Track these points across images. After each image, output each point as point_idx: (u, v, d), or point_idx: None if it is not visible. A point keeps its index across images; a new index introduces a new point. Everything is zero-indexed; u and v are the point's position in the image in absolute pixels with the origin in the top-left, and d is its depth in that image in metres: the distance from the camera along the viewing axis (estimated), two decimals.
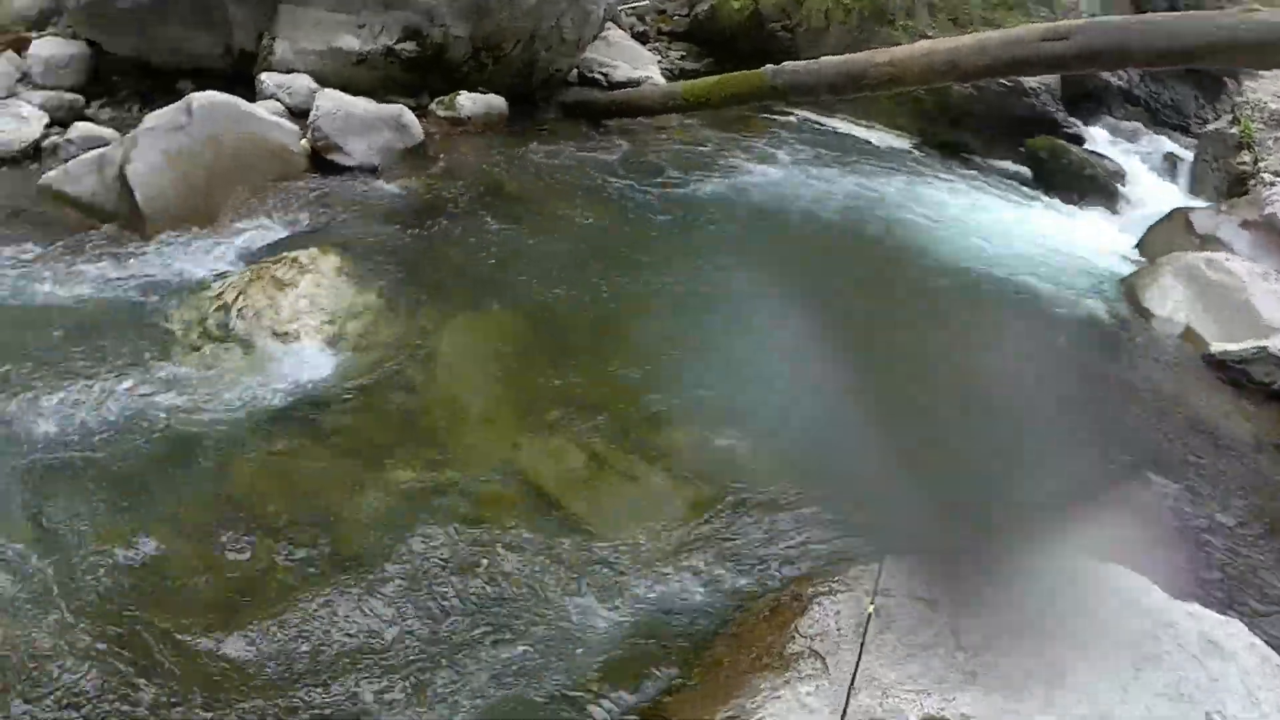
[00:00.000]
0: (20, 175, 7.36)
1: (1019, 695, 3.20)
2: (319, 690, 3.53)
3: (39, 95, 8.36)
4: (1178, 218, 8.98)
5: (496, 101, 9.48)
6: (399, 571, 4.07)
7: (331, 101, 8.06)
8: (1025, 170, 11.08)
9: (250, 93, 8.29)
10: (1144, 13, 11.28)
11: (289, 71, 8.83)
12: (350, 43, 8.98)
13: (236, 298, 5.72)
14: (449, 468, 4.73)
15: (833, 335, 5.86)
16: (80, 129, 7.85)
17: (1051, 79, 11.43)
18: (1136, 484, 5.37)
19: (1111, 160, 11.13)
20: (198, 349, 5.42)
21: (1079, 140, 11.48)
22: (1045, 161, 10.90)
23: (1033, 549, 3.93)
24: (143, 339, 5.44)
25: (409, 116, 8.40)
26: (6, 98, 8.31)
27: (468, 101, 9.29)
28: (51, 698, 3.34)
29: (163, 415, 4.83)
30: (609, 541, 4.33)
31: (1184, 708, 3.23)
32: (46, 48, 8.79)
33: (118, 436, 4.65)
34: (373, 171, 7.88)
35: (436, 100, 9.34)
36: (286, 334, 5.50)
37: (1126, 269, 8.45)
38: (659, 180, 8.82)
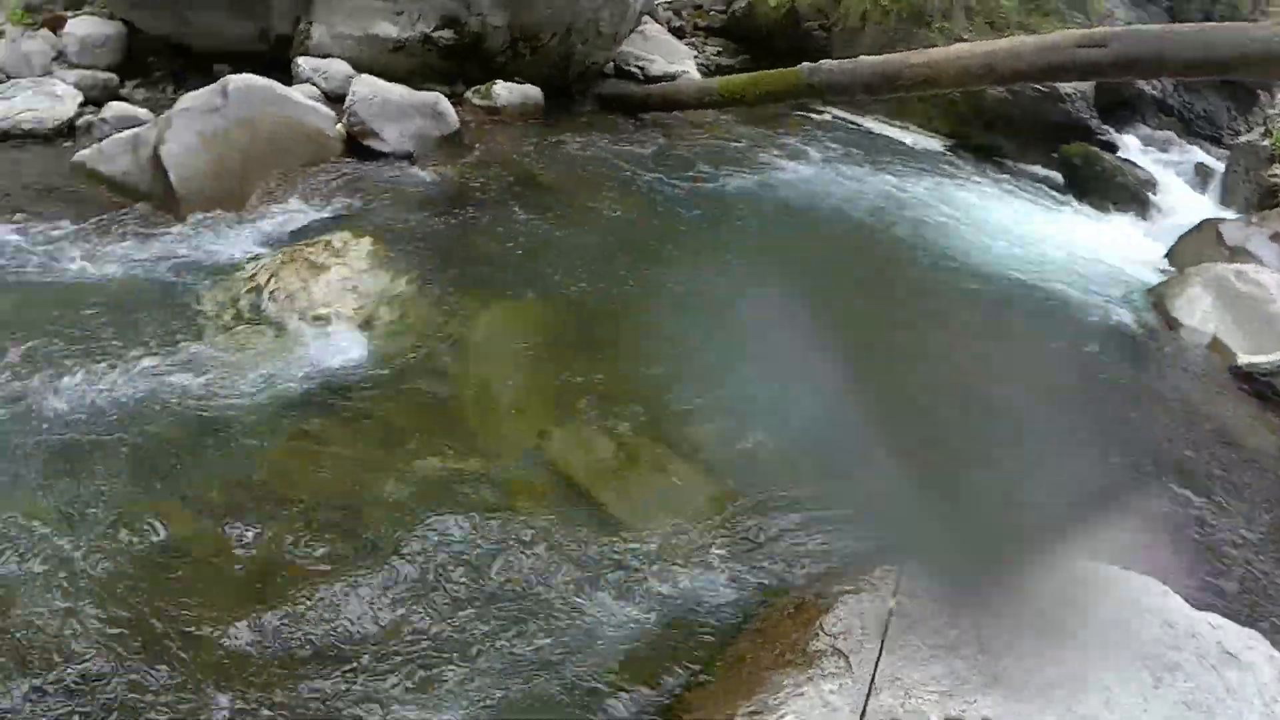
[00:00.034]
0: (54, 153, 7.41)
1: (1041, 700, 3.19)
2: (337, 676, 3.52)
3: (74, 74, 8.44)
4: (1208, 229, 8.95)
5: (532, 92, 9.51)
6: (423, 559, 4.06)
7: (368, 87, 8.08)
8: (1057, 176, 11.08)
9: (285, 77, 8.32)
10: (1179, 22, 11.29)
11: (325, 56, 8.89)
12: (387, 29, 9.02)
13: (269, 280, 5.75)
14: (477, 455, 4.72)
15: (859, 335, 5.88)
16: (114, 108, 7.91)
17: (1086, 86, 11.41)
18: (1160, 493, 5.35)
19: (1143, 169, 11.11)
20: (229, 330, 5.43)
21: (1112, 148, 11.47)
22: (1078, 168, 10.88)
23: (1056, 555, 3.93)
24: (174, 319, 5.46)
25: (445, 104, 8.41)
26: (42, 76, 8.37)
27: (504, 91, 9.33)
28: (68, 677, 3.34)
29: (191, 395, 4.84)
30: (636, 533, 4.33)
31: (1201, 718, 3.24)
32: (82, 27, 8.86)
33: (145, 415, 4.66)
34: (408, 158, 7.91)
35: (472, 89, 9.38)
36: (319, 317, 5.52)
37: (1155, 278, 8.43)
38: (691, 175, 8.84)
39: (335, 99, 8.34)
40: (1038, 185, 10.79)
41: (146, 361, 5.01)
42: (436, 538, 4.16)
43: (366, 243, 6.15)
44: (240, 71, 7.46)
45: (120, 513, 4.06)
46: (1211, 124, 13.52)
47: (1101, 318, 7.49)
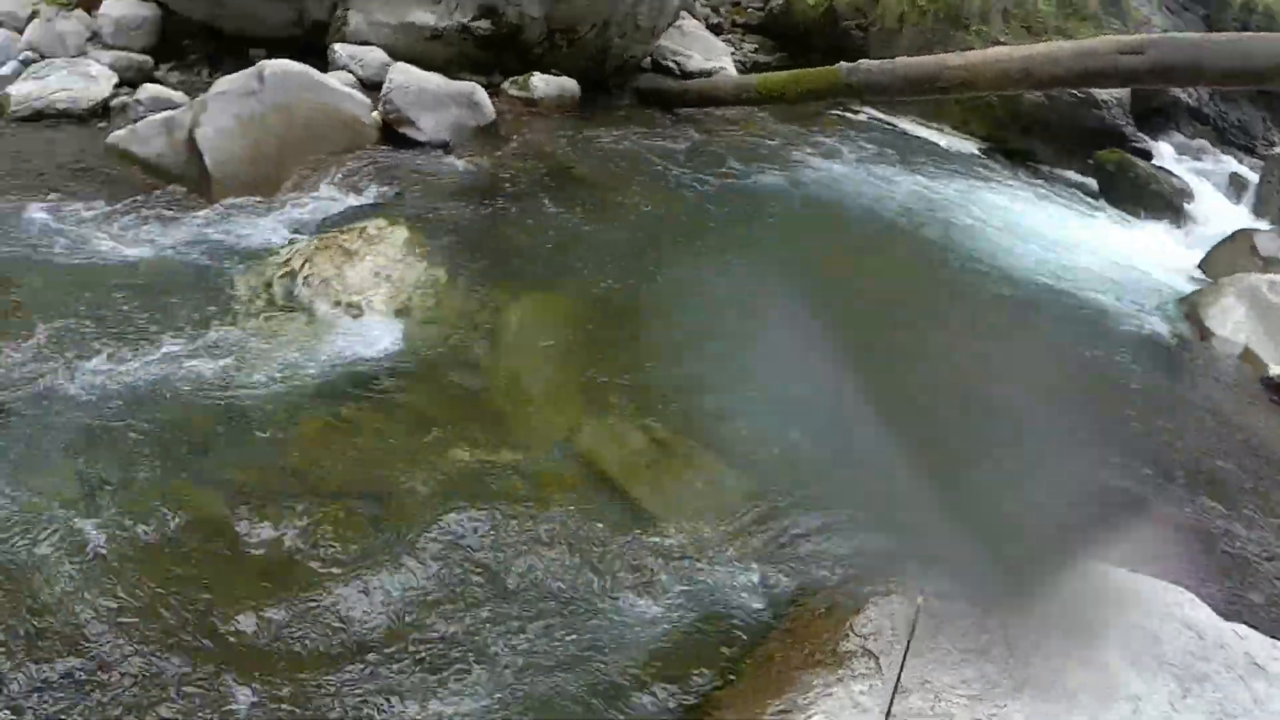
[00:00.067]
0: (88, 133, 7.45)
1: (1068, 706, 3.20)
2: (361, 665, 3.51)
3: (108, 55, 8.48)
4: (1241, 239, 8.94)
5: (569, 84, 9.53)
6: (450, 550, 4.05)
7: (404, 75, 8.09)
8: (1091, 182, 11.07)
9: (320, 63, 8.33)
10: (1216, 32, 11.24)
11: (362, 44, 8.91)
12: (425, 18, 9.03)
13: (303, 265, 5.76)
14: (508, 447, 4.71)
15: (888, 336, 5.88)
16: (149, 90, 7.93)
17: (1122, 92, 11.40)
18: (1190, 502, 5.33)
19: (1178, 177, 11.08)
20: (261, 315, 5.46)
21: (1146, 155, 11.45)
22: (1112, 174, 10.88)
23: (1085, 562, 3.93)
24: (206, 302, 5.48)
25: (481, 94, 8.42)
26: (76, 56, 8.40)
27: (541, 83, 9.35)
28: (85, 662, 3.34)
29: (221, 379, 4.85)
30: (667, 529, 4.31)
31: None
32: (117, 8, 8.90)
33: (174, 398, 4.67)
34: (443, 147, 7.92)
35: (509, 80, 9.41)
36: (352, 304, 5.54)
37: (1188, 287, 8.43)
38: (724, 171, 8.84)
39: (371, 86, 8.36)
40: (1072, 190, 10.79)
41: (177, 344, 5.03)
42: (465, 528, 4.15)
43: (401, 231, 6.16)
44: (275, 57, 7.48)
45: (144, 496, 4.06)
46: (1246, 134, 13.47)
47: (1134, 326, 7.47)
